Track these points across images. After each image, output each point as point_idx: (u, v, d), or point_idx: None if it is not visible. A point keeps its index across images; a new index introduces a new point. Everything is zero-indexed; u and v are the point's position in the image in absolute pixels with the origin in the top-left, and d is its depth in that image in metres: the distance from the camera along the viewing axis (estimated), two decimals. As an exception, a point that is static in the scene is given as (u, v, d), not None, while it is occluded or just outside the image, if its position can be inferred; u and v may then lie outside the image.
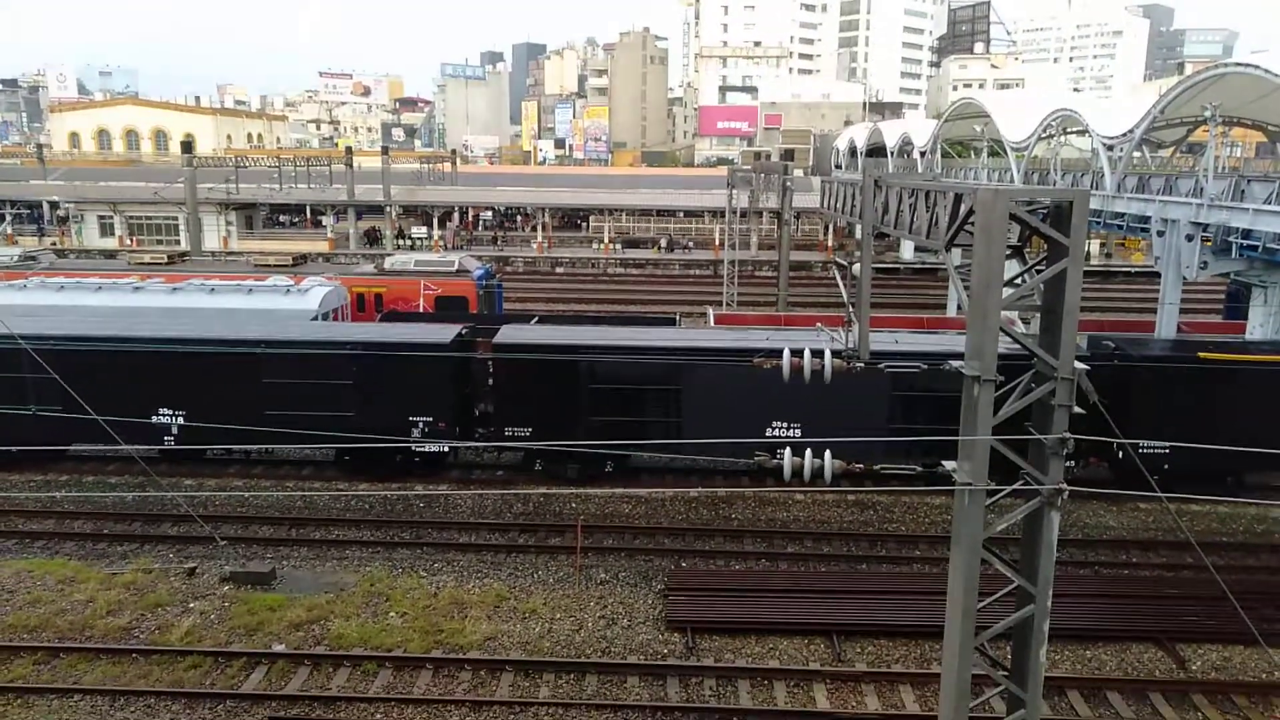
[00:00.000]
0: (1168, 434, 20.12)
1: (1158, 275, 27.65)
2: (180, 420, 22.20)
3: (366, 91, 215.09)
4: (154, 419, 22.11)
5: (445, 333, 22.69)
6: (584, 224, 72.84)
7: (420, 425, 21.91)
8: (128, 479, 22.47)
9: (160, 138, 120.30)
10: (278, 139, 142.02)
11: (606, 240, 65.84)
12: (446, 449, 22.70)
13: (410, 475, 22.96)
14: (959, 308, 35.98)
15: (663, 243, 65.35)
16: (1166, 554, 19.62)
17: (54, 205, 67.42)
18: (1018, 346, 8.73)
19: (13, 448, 21.22)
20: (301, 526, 20.45)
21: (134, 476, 22.23)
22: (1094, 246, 61.79)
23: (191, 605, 16.71)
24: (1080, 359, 8.65)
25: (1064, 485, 8.46)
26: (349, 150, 74.14)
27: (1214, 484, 21.65)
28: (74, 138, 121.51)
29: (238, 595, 17.05)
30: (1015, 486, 8.72)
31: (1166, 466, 20.55)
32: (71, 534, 19.95)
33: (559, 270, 60.95)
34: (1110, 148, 31.07)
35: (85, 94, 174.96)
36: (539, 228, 67.69)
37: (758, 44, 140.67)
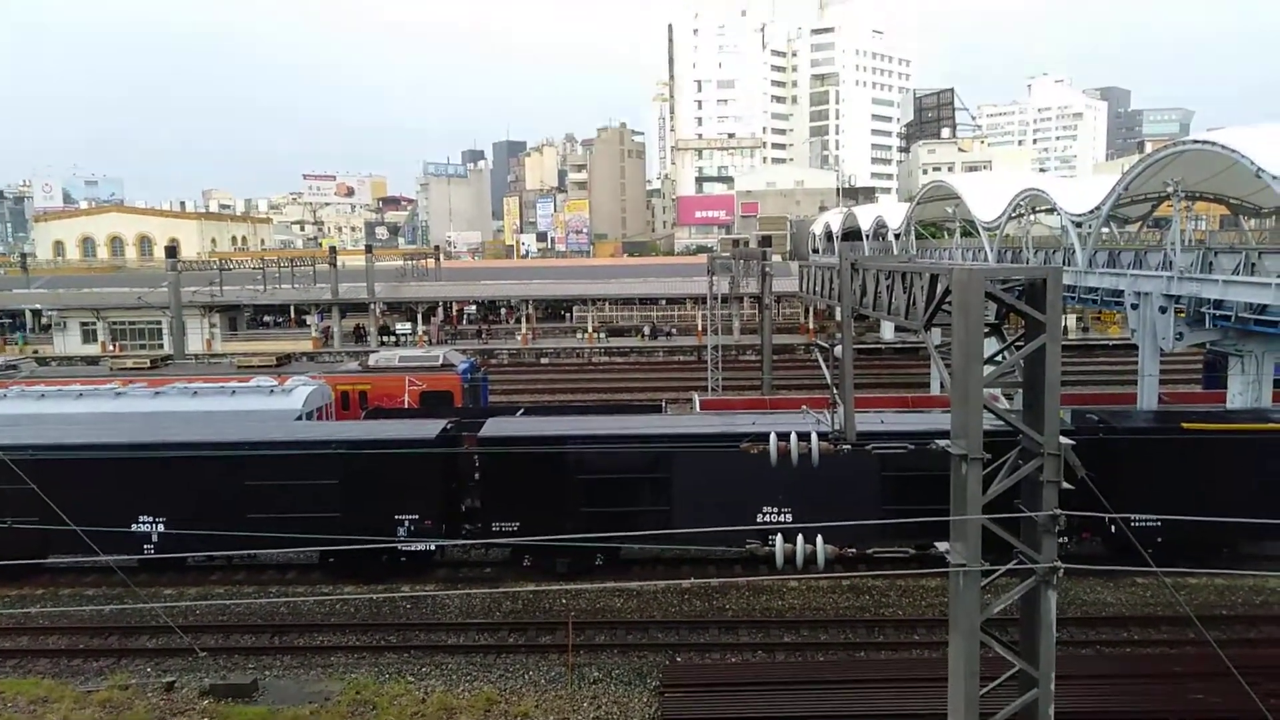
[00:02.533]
0: (1156, 506, 20.06)
1: (1135, 348, 28.01)
2: (160, 528, 21.74)
3: (350, 192, 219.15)
4: (133, 527, 21.65)
5: (430, 428, 22.54)
6: (567, 314, 73.44)
7: (406, 524, 21.55)
8: (105, 590, 21.86)
9: (145, 243, 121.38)
10: (262, 241, 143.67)
11: (590, 330, 66.29)
12: (433, 547, 22.28)
13: (396, 575, 22.47)
14: (941, 386, 36.19)
15: (646, 330, 65.87)
16: (1168, 630, 19.29)
17: (36, 313, 67.47)
18: (1003, 423, 8.75)
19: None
20: (285, 633, 19.85)
21: (112, 588, 21.63)
22: (1071, 321, 62.72)
23: (169, 722, 16.05)
24: (1065, 433, 8.68)
25: (1059, 563, 8.37)
26: (333, 250, 74.99)
27: (1208, 556, 21.48)
28: (58, 246, 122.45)
29: (218, 710, 16.41)
30: (1010, 566, 8.61)
31: (1160, 540, 20.41)
32: (45, 650, 19.26)
33: (544, 361, 61.13)
34: (1079, 224, 31.85)
35: (71, 203, 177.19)
36: (523, 319, 68.17)
37: (731, 136, 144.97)
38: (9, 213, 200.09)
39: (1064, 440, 8.30)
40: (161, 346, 62.32)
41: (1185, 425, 21.53)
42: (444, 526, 21.74)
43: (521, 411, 27.66)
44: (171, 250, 65.73)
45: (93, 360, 56.16)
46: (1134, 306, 27.36)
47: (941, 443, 8.55)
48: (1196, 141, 26.65)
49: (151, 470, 21.76)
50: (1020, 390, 8.83)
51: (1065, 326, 60.91)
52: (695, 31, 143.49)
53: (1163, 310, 25.87)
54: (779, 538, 10.29)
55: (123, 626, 20.16)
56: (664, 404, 31.12)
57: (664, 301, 71.38)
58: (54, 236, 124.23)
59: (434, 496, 21.65)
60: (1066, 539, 20.01)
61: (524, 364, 60.29)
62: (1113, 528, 20.05)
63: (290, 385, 28.86)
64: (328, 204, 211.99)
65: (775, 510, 20.96)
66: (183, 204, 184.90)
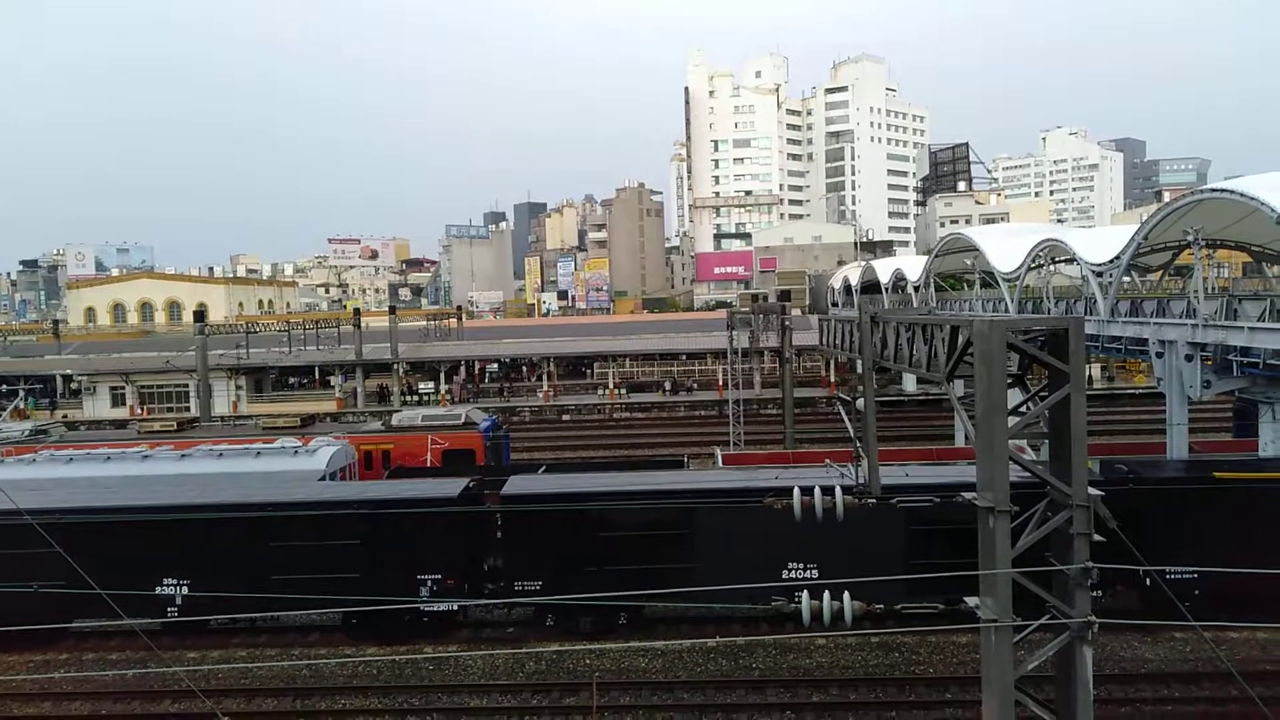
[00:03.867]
0: (1189, 558, 19.59)
1: (1163, 396, 27.67)
2: (185, 590, 21.75)
3: (374, 255, 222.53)
4: (158, 590, 21.68)
5: (452, 486, 22.54)
6: (589, 371, 73.65)
7: (429, 583, 21.44)
8: (129, 654, 21.81)
9: (174, 308, 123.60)
10: (288, 304, 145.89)
11: (611, 386, 66.40)
12: (455, 607, 22.11)
13: (419, 636, 22.27)
14: (966, 438, 35.80)
15: (667, 386, 65.87)
16: (1209, 686, 18.71)
17: (67, 378, 68.57)
18: (1029, 475, 8.66)
19: (12, 628, 20.70)
20: (307, 697, 19.67)
21: (135, 652, 21.58)
22: (1095, 370, 62.13)
23: (190, 789, 15.86)
24: (1094, 484, 8.56)
25: (1093, 617, 8.20)
26: (357, 311, 76.04)
27: (1247, 608, 20.89)
28: (90, 312, 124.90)
29: (239, 776, 16.20)
30: (1043, 621, 8.45)
31: (1197, 592, 19.90)
32: (69, 716, 19.18)
33: (565, 418, 61.16)
34: (1099, 274, 31.77)
35: (103, 271, 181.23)
36: (544, 377, 68.44)
37: (749, 193, 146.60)
38: (43, 281, 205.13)
39: (1093, 491, 8.20)
40: (189, 409, 63.02)
41: (1217, 474, 21.15)
42: (466, 586, 21.60)
43: (543, 469, 27.63)
44: (200, 314, 67.02)
45: (121, 424, 56.81)
46: (1159, 355, 27.11)
47: (968, 495, 8.48)
48: (1215, 190, 26.65)
49: (176, 532, 21.86)
50: (1046, 441, 8.76)
51: (1090, 376, 60.35)
52: (711, 94, 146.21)
53: (1188, 358, 25.60)
54: (805, 594, 10.15)
55: (145, 691, 20.07)
56: (686, 459, 31.00)
57: (684, 356, 71.47)
58: (86, 303, 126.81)
59: (456, 556, 21.56)
60: (1100, 592, 19.56)
61: (546, 421, 60.35)
62: (1147, 581, 19.59)
63: (314, 446, 29.03)
64: (352, 267, 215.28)
65: (801, 566, 20.69)
66: (211, 269, 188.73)
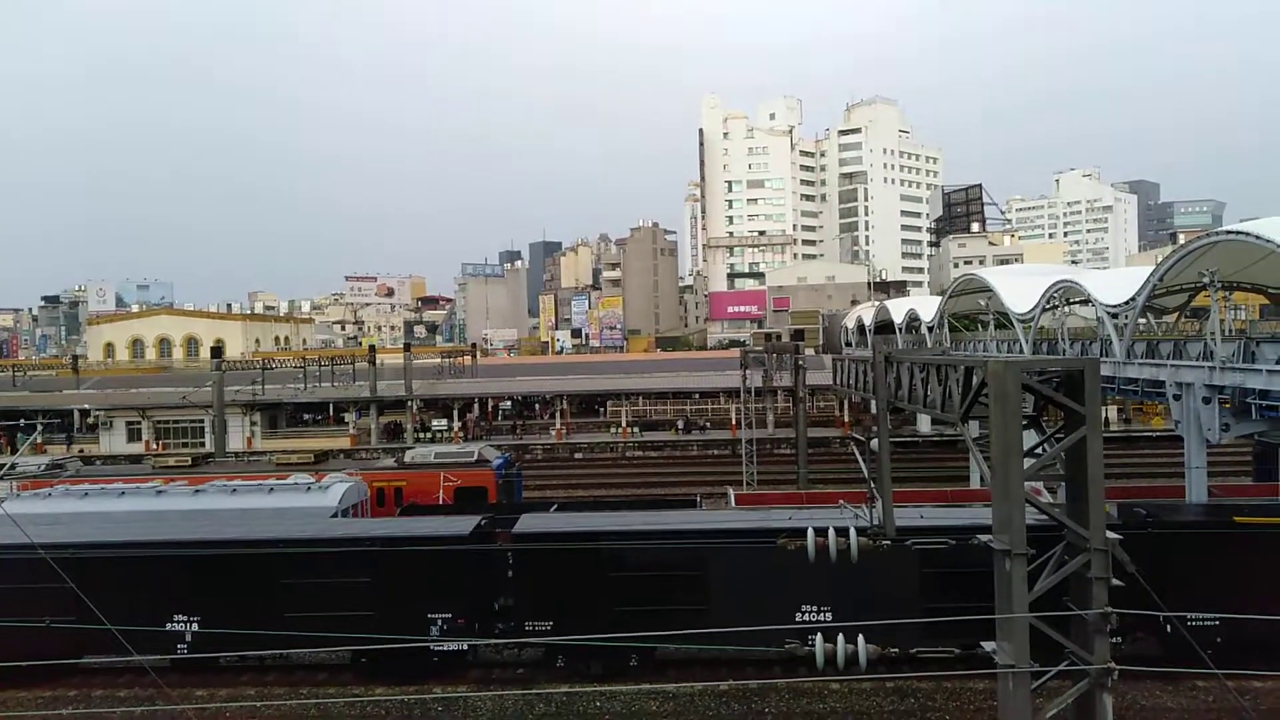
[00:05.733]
0: (1209, 604, 19.25)
1: (1180, 439, 27.39)
2: (195, 627, 21.67)
3: (390, 292, 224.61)
4: (168, 626, 21.61)
5: (463, 524, 22.46)
6: (601, 409, 73.63)
7: (439, 622, 21.28)
8: (137, 691, 21.68)
9: (191, 344, 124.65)
10: (304, 340, 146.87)
11: (624, 424, 66.32)
12: (465, 647, 21.91)
13: (428, 676, 22.06)
14: (981, 480, 35.47)
15: (679, 424, 65.73)
16: (1235, 737, 18.27)
17: (84, 413, 69.08)
18: (1046, 517, 8.58)
19: (23, 662, 20.65)
20: (314, 737, 19.46)
21: (144, 689, 21.46)
22: (1112, 413, 61.60)
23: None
24: (1112, 527, 8.47)
25: (1112, 664, 8.06)
26: (372, 349, 76.46)
27: (1272, 657, 20.46)
28: (109, 348, 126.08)
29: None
30: (1061, 667, 8.31)
31: (1219, 639, 19.51)
32: (75, 754, 19.04)
33: (578, 456, 61.01)
34: (1115, 315, 31.66)
35: (123, 306, 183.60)
36: (557, 415, 68.43)
37: (762, 233, 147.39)
38: (64, 316, 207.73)
39: (1111, 535, 8.11)
40: (204, 444, 63.30)
41: (1238, 519, 20.84)
42: (477, 625, 21.42)
43: (555, 507, 27.52)
44: (217, 351, 67.61)
45: (136, 459, 57.10)
46: (1176, 397, 26.90)
47: (983, 538, 8.40)
48: (1230, 232, 26.62)
49: (187, 568, 21.84)
50: (1063, 484, 8.68)
51: (1106, 418, 59.84)
52: (725, 135, 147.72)
53: (1206, 401, 25.38)
54: (819, 637, 10.04)
55: (153, 729, 19.91)
56: (699, 499, 30.82)
57: (697, 395, 71.41)
58: (105, 338, 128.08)
59: (467, 594, 21.42)
60: (1119, 638, 19.21)
61: (558, 459, 60.23)
62: (1168, 627, 19.24)
63: (327, 482, 29.07)
64: (368, 304, 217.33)
65: (814, 608, 20.43)
66: (229, 306, 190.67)
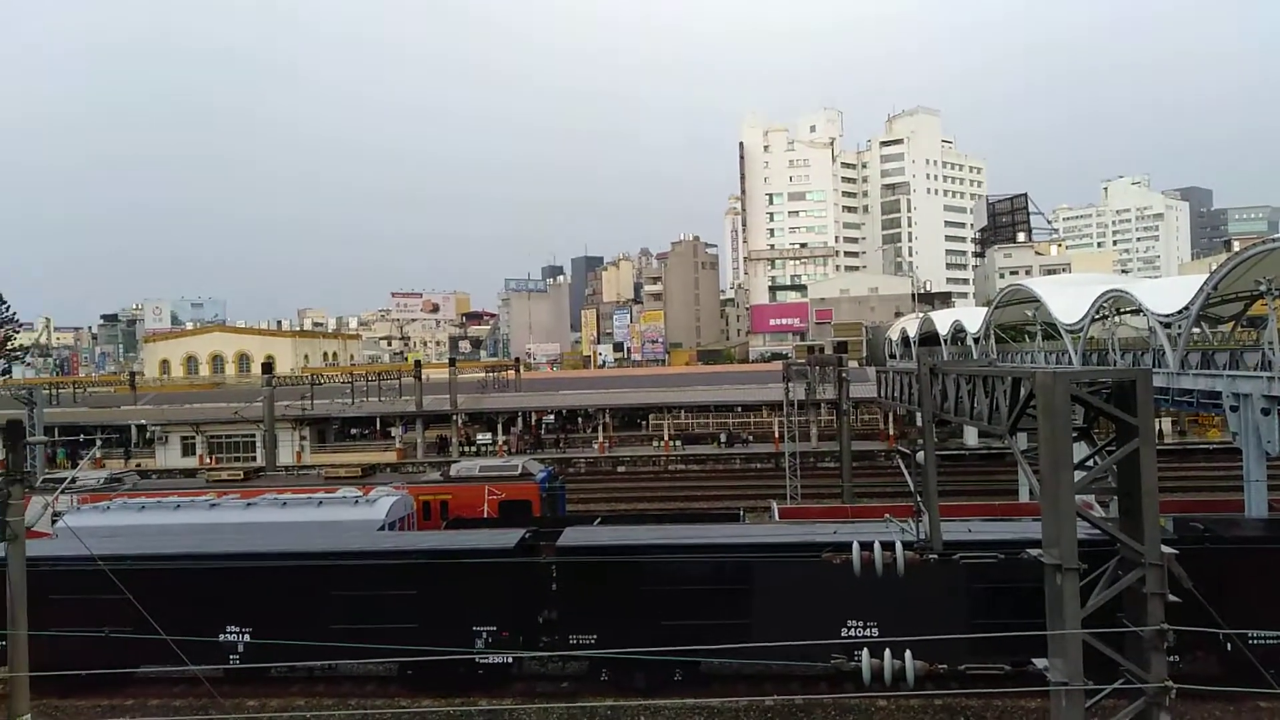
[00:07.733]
0: (1273, 621, 18.65)
1: (1238, 452, 26.65)
2: (247, 638, 22.08)
3: (435, 308, 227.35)
4: (221, 637, 22.05)
5: (508, 538, 22.62)
6: (644, 423, 73.67)
7: (484, 635, 21.43)
8: (191, 700, 22.13)
9: (243, 361, 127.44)
10: (351, 356, 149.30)
11: (666, 437, 66.26)
12: (510, 660, 22.03)
13: (473, 688, 22.20)
14: (1031, 493, 34.79)
15: (722, 438, 65.50)
16: (1302, 760, 17.66)
17: (141, 429, 70.91)
18: (1098, 532, 8.42)
19: (83, 671, 21.20)
20: (362, 748, 19.69)
21: (198, 698, 21.90)
22: (1166, 425, 60.07)
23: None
24: (1167, 542, 8.29)
25: (1170, 683, 7.87)
26: (418, 364, 77.47)
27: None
28: (164, 364, 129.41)
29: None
30: (1117, 685, 8.14)
31: (1284, 658, 18.87)
32: (132, 761, 19.47)
33: (620, 469, 61.09)
34: (1167, 325, 30.95)
35: (178, 324, 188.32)
36: (600, 428, 68.65)
37: (804, 245, 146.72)
38: (122, 334, 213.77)
39: (1167, 550, 7.94)
40: (255, 459, 64.56)
41: (1301, 534, 20.21)
42: (522, 638, 21.52)
43: (599, 520, 27.58)
44: (267, 367, 69.04)
45: (190, 473, 58.42)
46: (1233, 409, 26.19)
47: (1034, 552, 8.27)
48: (1287, 238, 25.93)
49: (240, 580, 22.28)
50: (1115, 497, 8.52)
51: (1160, 431, 58.37)
52: (766, 148, 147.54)
53: (1265, 412, 24.67)
54: (865, 652, 9.94)
55: (207, 738, 20.29)
56: (742, 513, 30.66)
57: (740, 408, 71.13)
58: (160, 355, 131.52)
59: (512, 608, 21.54)
60: (1177, 657, 18.70)
61: (601, 472, 60.36)
62: (1228, 645, 18.68)
63: (374, 496, 29.47)
64: (414, 320, 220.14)
65: (860, 623, 20.19)
66: (279, 323, 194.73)
